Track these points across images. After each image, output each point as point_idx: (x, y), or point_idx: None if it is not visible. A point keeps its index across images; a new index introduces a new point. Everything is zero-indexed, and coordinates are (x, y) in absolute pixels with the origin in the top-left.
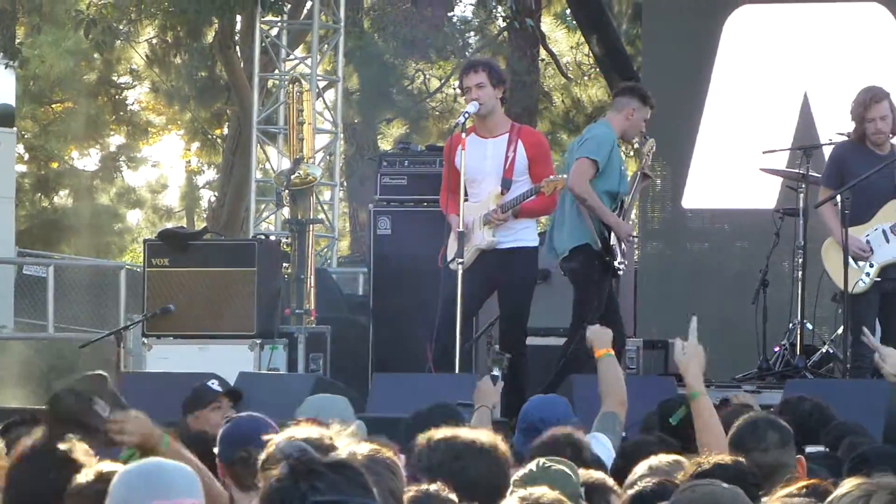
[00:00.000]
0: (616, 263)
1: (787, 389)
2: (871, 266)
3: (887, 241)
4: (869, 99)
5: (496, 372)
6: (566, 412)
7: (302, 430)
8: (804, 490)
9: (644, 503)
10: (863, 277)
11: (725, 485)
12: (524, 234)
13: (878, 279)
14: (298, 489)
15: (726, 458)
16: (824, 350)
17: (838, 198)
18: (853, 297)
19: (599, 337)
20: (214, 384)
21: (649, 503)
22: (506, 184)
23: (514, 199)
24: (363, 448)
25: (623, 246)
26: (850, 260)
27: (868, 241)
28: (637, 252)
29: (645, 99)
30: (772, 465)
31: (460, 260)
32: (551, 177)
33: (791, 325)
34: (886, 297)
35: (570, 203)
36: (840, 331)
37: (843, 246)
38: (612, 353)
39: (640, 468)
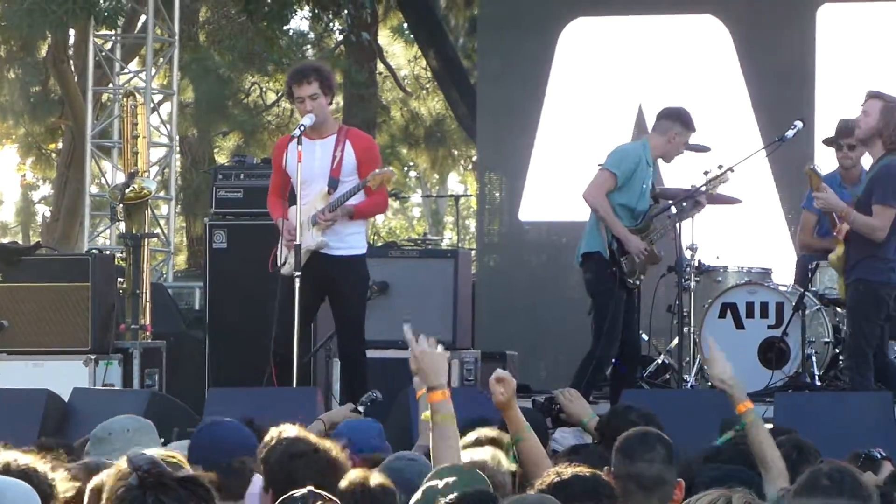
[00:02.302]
0: (624, 277)
1: (623, 399)
2: None
3: None
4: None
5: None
6: (378, 438)
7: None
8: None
9: None
10: None
11: (553, 499)
12: (353, 240)
13: None
14: (145, 500)
15: (585, 470)
16: (660, 360)
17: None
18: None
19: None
20: None
21: None
22: (332, 183)
23: (339, 198)
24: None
25: (637, 260)
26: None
27: None
28: (475, 265)
29: (688, 124)
30: (654, 478)
31: (297, 273)
32: (377, 170)
33: None
34: None
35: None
36: (675, 342)
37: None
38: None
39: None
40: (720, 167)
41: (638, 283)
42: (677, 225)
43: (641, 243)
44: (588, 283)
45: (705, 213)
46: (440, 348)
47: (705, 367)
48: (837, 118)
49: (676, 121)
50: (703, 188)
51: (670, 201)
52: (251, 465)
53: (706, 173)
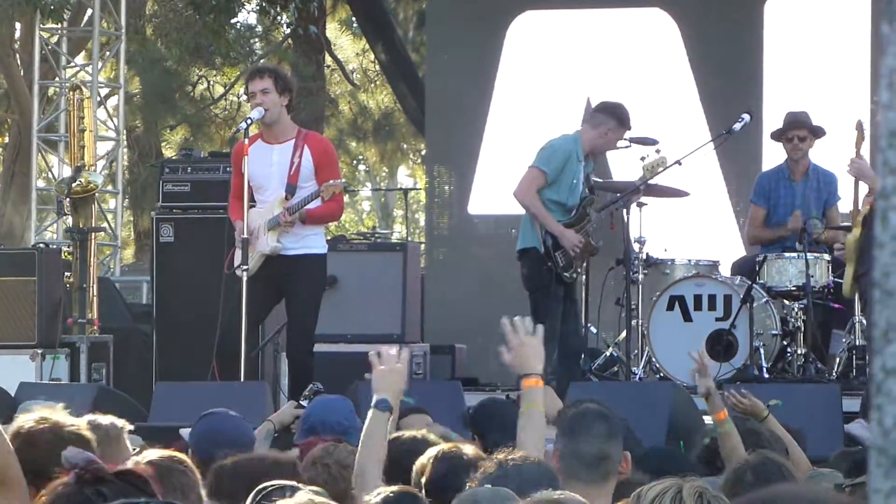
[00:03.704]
0: (560, 271)
1: (571, 392)
2: None
3: None
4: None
5: (303, 402)
6: (349, 415)
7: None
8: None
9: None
10: None
11: (490, 486)
12: (311, 240)
13: None
14: (84, 495)
15: (524, 456)
16: (608, 353)
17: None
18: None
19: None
20: None
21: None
22: (290, 189)
23: (299, 202)
24: (153, 454)
25: (573, 254)
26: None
27: None
28: (423, 258)
29: (623, 121)
30: (595, 455)
31: (245, 267)
32: (330, 182)
33: None
34: None
35: None
36: (623, 335)
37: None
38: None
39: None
40: (657, 151)
41: (575, 276)
42: (624, 216)
43: (575, 237)
44: (524, 279)
45: (653, 205)
46: (539, 334)
47: (696, 374)
48: (785, 111)
49: (612, 116)
50: (649, 180)
51: (618, 194)
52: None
53: (643, 159)
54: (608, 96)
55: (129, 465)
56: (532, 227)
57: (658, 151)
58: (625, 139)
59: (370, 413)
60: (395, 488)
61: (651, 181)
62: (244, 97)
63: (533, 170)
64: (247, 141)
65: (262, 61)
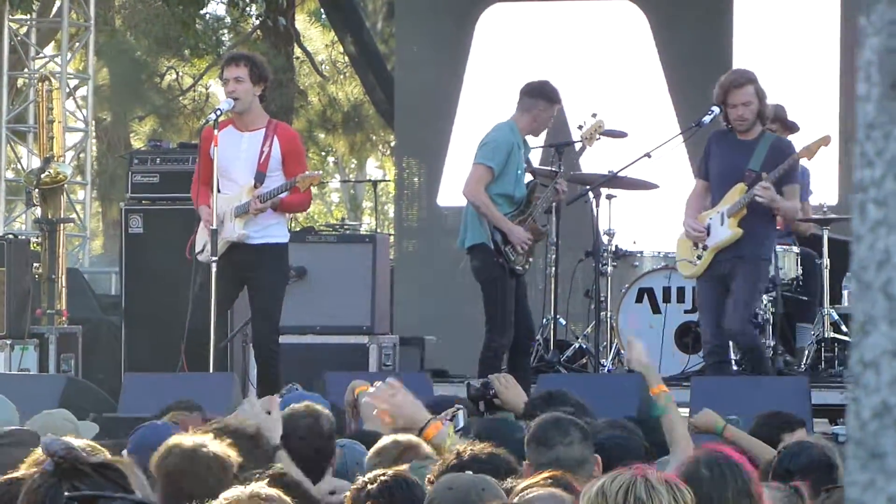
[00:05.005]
0: (512, 265)
1: (541, 384)
2: (705, 249)
3: (722, 224)
4: (728, 84)
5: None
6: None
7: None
8: (549, 480)
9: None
10: (694, 260)
11: (471, 474)
12: (274, 230)
13: (712, 262)
14: (59, 486)
15: (485, 448)
16: (577, 345)
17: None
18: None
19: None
20: None
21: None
22: (259, 177)
23: (271, 192)
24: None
25: (520, 250)
26: (693, 245)
27: (709, 226)
28: (393, 250)
29: (551, 98)
30: (577, 459)
31: (214, 258)
32: (307, 172)
33: (545, 320)
34: (722, 280)
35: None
36: (592, 327)
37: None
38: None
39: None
40: (593, 115)
41: (527, 267)
42: (594, 208)
43: (524, 234)
44: (475, 271)
45: (622, 197)
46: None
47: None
48: None
49: (539, 97)
50: (589, 146)
51: (587, 187)
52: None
53: (580, 127)
54: (577, 88)
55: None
56: (480, 223)
57: (594, 115)
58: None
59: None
60: (390, 472)
61: (620, 173)
62: (213, 88)
63: (479, 167)
64: (216, 131)
65: (238, 50)
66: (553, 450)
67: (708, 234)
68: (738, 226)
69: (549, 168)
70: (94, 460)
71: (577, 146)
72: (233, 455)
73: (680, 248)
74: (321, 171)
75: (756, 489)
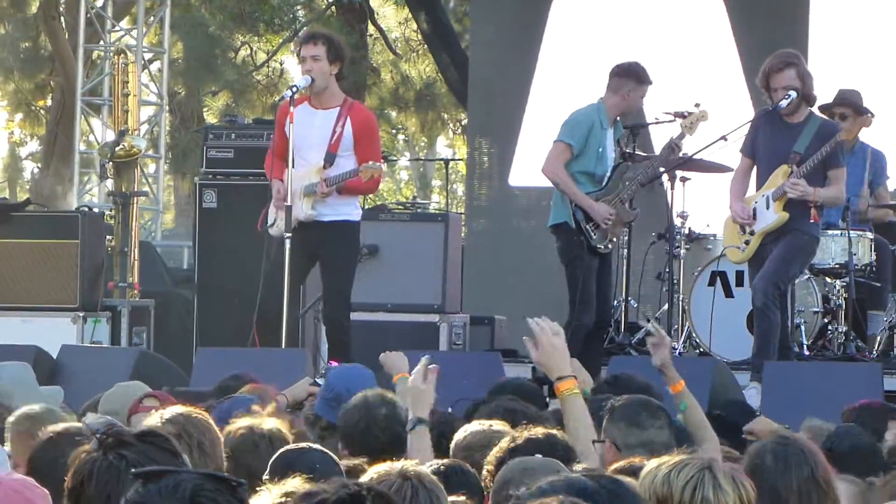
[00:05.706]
0: (593, 244)
1: (612, 366)
2: (752, 234)
3: (768, 207)
4: (769, 68)
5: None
6: (371, 384)
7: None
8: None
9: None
10: (741, 246)
11: (557, 462)
12: (345, 208)
13: (759, 247)
14: (107, 460)
15: (541, 431)
16: (648, 327)
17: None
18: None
19: (392, 362)
20: None
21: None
22: (329, 158)
23: (337, 177)
24: (172, 410)
25: (604, 227)
26: (740, 230)
27: (755, 209)
28: (464, 229)
29: (641, 79)
30: (666, 443)
31: (287, 234)
32: (370, 163)
33: (616, 302)
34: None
35: None
36: (665, 308)
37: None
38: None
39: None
40: (697, 105)
41: (610, 246)
42: (668, 190)
43: (605, 209)
44: (559, 252)
45: (696, 180)
46: (562, 334)
47: (650, 345)
48: (832, 88)
49: (629, 77)
50: (690, 134)
51: (661, 168)
52: None
53: (684, 115)
54: (650, 71)
55: (154, 421)
56: (563, 203)
57: (697, 105)
58: (645, 96)
59: (414, 434)
60: (445, 461)
61: (696, 156)
62: (286, 64)
63: (558, 144)
64: (292, 108)
65: (312, 27)
66: (646, 431)
67: (754, 219)
68: (783, 209)
69: (623, 150)
70: (137, 430)
71: (677, 133)
72: (286, 432)
73: (727, 233)
74: (383, 163)
75: (824, 477)
